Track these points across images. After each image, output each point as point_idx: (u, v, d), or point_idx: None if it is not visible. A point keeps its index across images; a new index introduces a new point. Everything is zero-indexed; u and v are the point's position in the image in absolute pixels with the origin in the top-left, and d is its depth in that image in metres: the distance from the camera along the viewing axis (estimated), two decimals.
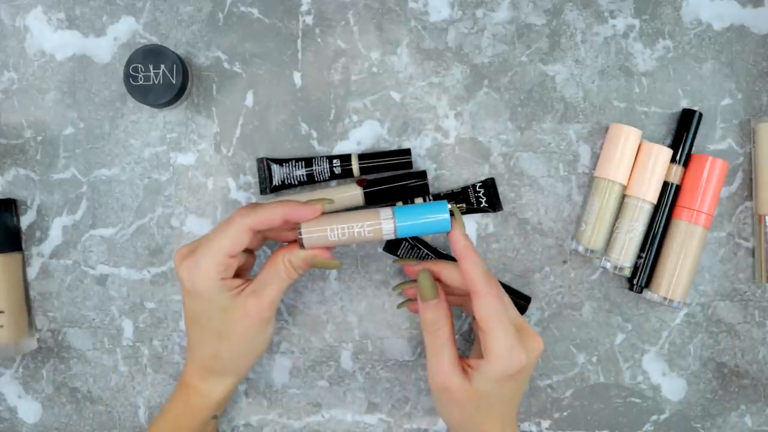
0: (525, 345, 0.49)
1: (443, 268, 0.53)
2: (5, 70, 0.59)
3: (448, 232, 0.49)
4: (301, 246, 0.49)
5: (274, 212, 0.49)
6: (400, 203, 0.57)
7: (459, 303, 0.56)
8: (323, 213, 0.50)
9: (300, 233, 0.49)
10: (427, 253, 0.58)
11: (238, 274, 0.53)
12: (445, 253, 0.58)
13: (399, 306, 0.57)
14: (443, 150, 0.59)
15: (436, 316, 0.51)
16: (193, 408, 0.53)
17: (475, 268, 0.49)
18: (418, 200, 0.57)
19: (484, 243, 0.59)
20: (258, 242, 0.53)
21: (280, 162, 0.57)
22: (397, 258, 0.58)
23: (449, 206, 0.49)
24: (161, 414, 0.55)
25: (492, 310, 0.48)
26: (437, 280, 0.54)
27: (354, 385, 0.60)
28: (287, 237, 0.53)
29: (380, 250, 0.59)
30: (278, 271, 0.50)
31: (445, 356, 0.50)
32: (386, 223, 0.49)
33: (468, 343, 0.60)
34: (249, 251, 0.54)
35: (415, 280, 0.55)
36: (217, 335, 0.51)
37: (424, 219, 0.49)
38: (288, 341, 0.60)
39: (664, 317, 0.59)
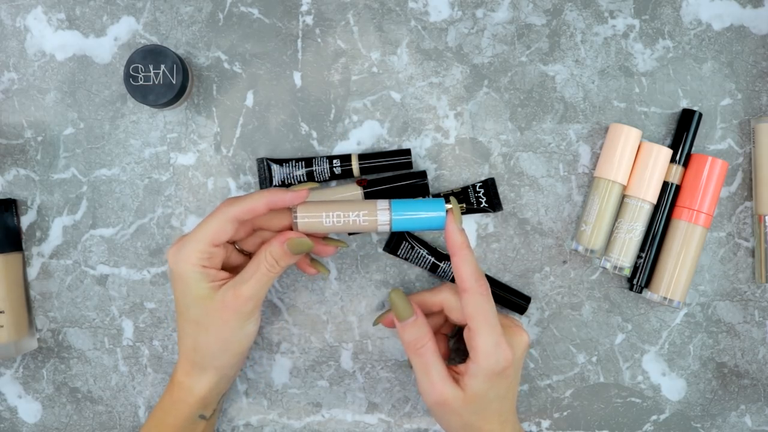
0: (510, 341, 0.50)
1: (420, 301, 0.54)
2: (5, 70, 0.59)
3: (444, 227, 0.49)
4: (296, 228, 0.50)
5: (258, 200, 0.49)
6: None
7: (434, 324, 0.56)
8: (319, 201, 0.50)
9: (295, 215, 0.49)
10: (426, 254, 0.58)
11: (229, 272, 0.52)
12: (445, 253, 0.58)
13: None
14: (443, 150, 0.59)
15: (417, 334, 0.50)
16: (176, 403, 0.53)
17: (467, 266, 0.49)
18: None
19: (484, 243, 0.59)
20: (245, 233, 0.53)
21: (280, 162, 0.57)
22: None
23: (448, 204, 0.49)
24: (152, 410, 0.55)
25: (480, 308, 0.48)
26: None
27: (354, 385, 0.60)
28: (276, 226, 0.52)
29: (380, 250, 0.59)
30: (259, 265, 0.50)
31: (434, 372, 0.49)
32: (382, 214, 0.49)
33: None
34: (244, 253, 0.54)
35: (389, 310, 0.54)
36: (195, 324, 0.51)
37: (420, 214, 0.49)
38: (288, 341, 0.60)
39: (664, 317, 0.59)
